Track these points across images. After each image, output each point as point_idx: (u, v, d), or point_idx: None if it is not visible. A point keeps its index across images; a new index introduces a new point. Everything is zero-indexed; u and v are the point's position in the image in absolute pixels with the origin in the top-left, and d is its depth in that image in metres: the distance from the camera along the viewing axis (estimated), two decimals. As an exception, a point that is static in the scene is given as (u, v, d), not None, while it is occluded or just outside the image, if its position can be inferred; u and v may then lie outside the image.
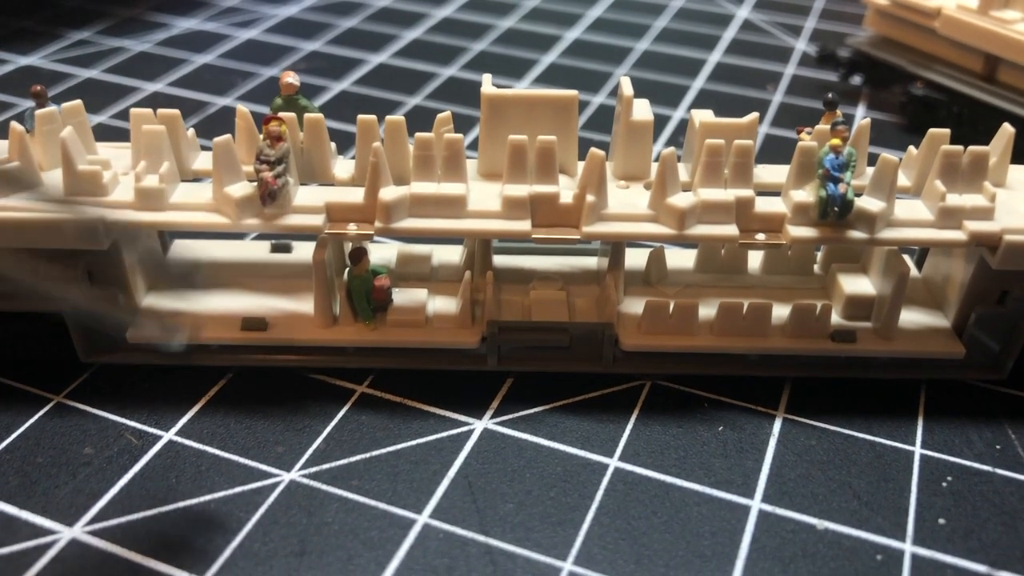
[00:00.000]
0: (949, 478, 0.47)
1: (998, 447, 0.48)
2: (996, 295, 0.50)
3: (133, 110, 0.49)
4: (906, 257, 0.51)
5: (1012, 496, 0.46)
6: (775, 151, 0.75)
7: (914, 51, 0.81)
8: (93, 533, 0.42)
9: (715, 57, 0.94)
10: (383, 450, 0.47)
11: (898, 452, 0.48)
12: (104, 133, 0.52)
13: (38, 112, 0.48)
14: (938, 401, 0.51)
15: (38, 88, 0.49)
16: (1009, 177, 0.51)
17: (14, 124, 0.47)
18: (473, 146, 0.51)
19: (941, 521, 0.44)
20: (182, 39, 0.93)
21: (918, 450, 0.48)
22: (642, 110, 0.50)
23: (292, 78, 0.50)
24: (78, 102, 0.50)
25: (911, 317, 0.52)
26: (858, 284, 0.52)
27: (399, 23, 0.99)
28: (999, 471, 0.47)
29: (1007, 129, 0.50)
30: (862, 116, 0.77)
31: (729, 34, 1.00)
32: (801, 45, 0.98)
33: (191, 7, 1.01)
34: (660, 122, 0.80)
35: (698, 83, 0.88)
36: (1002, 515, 0.45)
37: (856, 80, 0.87)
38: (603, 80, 0.88)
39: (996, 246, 0.47)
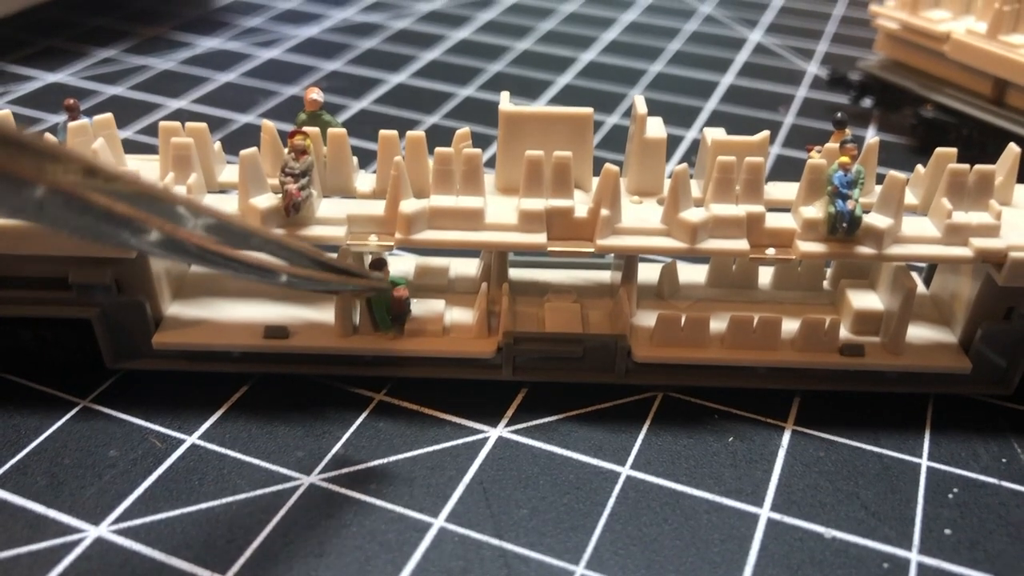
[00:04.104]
0: (955, 490, 0.47)
1: (1004, 460, 0.49)
2: (1002, 311, 0.51)
3: (162, 123, 0.51)
4: (914, 274, 0.52)
5: (1018, 508, 0.46)
6: (787, 172, 0.77)
7: (924, 74, 0.82)
8: (118, 532, 0.44)
9: (728, 79, 0.96)
10: (400, 456, 0.48)
11: (905, 464, 0.49)
12: (129, 148, 0.53)
13: (71, 124, 0.50)
14: (945, 415, 0.52)
15: (71, 102, 0.50)
16: (1015, 196, 0.52)
17: (48, 135, 0.48)
18: (490, 163, 0.52)
19: (947, 531, 0.45)
20: (205, 58, 0.96)
21: (925, 462, 0.49)
22: (656, 128, 0.51)
23: (316, 94, 0.52)
24: (109, 115, 0.51)
25: (919, 333, 0.53)
26: (866, 300, 0.53)
27: (417, 44, 1.01)
28: (1005, 484, 0.48)
29: (1013, 149, 0.52)
30: (872, 138, 0.78)
31: (742, 57, 1.02)
32: (813, 68, 0.99)
33: (214, 27, 1.03)
34: (673, 142, 0.81)
35: (711, 104, 0.90)
36: (1008, 526, 0.45)
37: (867, 103, 0.89)
38: (617, 101, 0.90)
39: (1002, 263, 0.48)
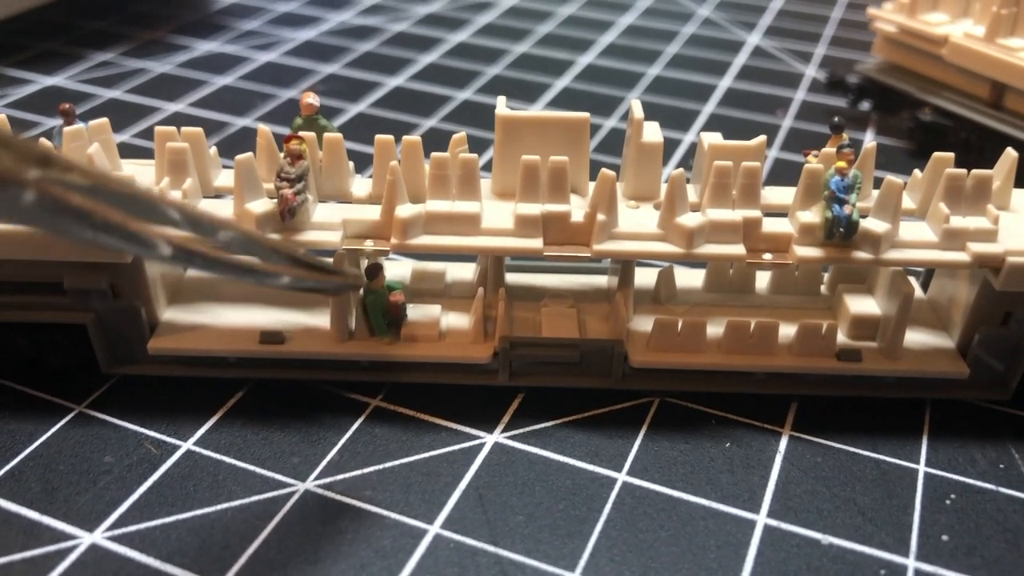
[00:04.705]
0: (953, 496, 0.47)
1: (1002, 466, 0.49)
2: (1000, 316, 0.51)
3: (158, 128, 0.50)
4: (912, 279, 0.51)
5: (1015, 514, 0.46)
6: (785, 175, 0.77)
7: (922, 78, 0.82)
8: (112, 539, 0.44)
9: (726, 82, 0.96)
10: (396, 462, 0.48)
11: (902, 470, 0.49)
12: (126, 152, 0.53)
13: (66, 129, 0.50)
14: (942, 420, 0.52)
15: (66, 106, 0.50)
16: (1013, 200, 0.52)
17: (43, 141, 0.48)
18: (487, 167, 0.52)
19: (944, 538, 0.45)
20: (202, 61, 0.96)
21: (922, 468, 0.49)
22: (652, 132, 0.51)
23: (312, 99, 0.52)
24: (104, 120, 0.51)
25: (916, 338, 0.53)
26: (864, 304, 0.53)
27: (415, 47, 1.01)
28: (1002, 490, 0.48)
29: (1010, 154, 0.51)
30: (870, 141, 0.78)
31: (740, 60, 1.02)
32: (811, 71, 0.99)
33: (211, 30, 1.03)
34: (671, 146, 0.81)
35: (709, 108, 0.90)
36: (1005, 532, 0.45)
37: (865, 106, 0.88)
38: (615, 104, 0.90)
39: (999, 267, 0.48)
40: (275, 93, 0.89)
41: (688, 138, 0.83)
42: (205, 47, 0.99)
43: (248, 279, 0.40)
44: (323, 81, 0.92)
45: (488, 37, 1.05)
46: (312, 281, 0.44)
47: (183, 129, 0.51)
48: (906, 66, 0.84)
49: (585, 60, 1.00)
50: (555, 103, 0.90)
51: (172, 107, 0.85)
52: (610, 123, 0.86)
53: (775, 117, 0.88)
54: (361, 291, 0.51)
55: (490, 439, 0.50)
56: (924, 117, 0.80)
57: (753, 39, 1.08)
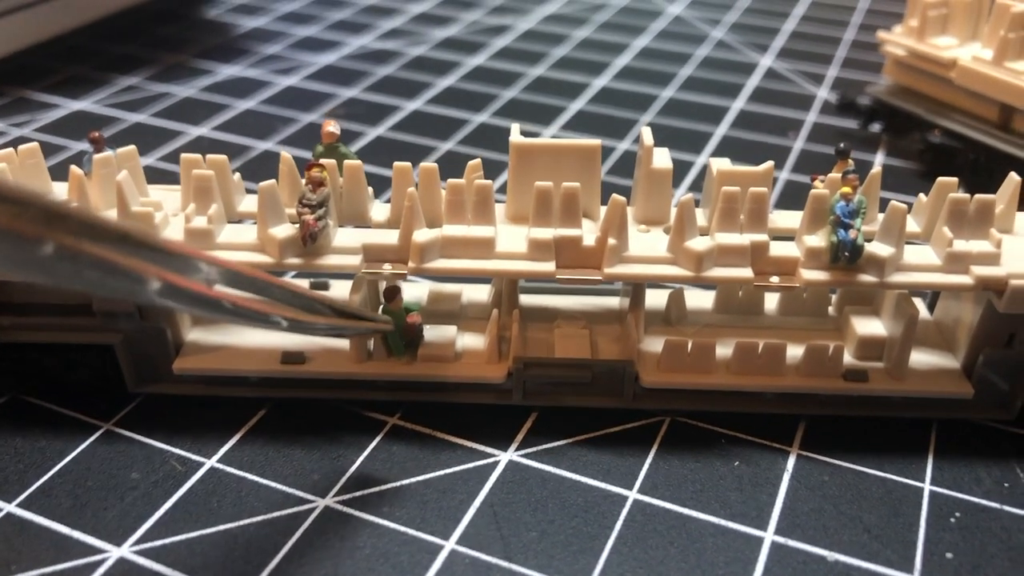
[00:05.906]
0: (957, 514, 0.48)
1: (1006, 485, 0.50)
2: (1004, 337, 0.52)
3: (184, 155, 0.52)
4: (917, 301, 0.53)
5: (1020, 533, 0.47)
6: (796, 196, 0.78)
7: (931, 100, 0.83)
8: (140, 552, 0.45)
9: (738, 104, 0.97)
10: (413, 479, 0.50)
11: (908, 488, 0.50)
12: (152, 175, 0.55)
13: (96, 157, 0.52)
14: (948, 439, 0.53)
15: (96, 135, 0.52)
16: (1016, 224, 0.53)
17: (73, 168, 0.50)
18: (503, 189, 0.54)
19: (949, 555, 0.46)
20: (225, 85, 0.98)
21: (927, 487, 0.50)
22: (662, 158, 0.53)
23: (333, 127, 0.53)
24: (132, 148, 0.53)
25: (922, 358, 0.54)
26: (870, 326, 0.54)
27: (433, 71, 1.03)
28: (1007, 508, 0.49)
29: (1013, 178, 0.52)
30: (881, 163, 0.79)
31: (752, 82, 1.03)
32: (823, 93, 1.00)
33: (234, 55, 1.05)
34: (683, 168, 0.82)
35: (721, 130, 0.91)
36: (1010, 551, 0.46)
37: (875, 127, 0.89)
38: (629, 126, 0.91)
39: (1003, 290, 0.49)
40: (296, 117, 0.91)
41: (701, 160, 0.85)
42: (228, 71, 1.01)
43: (292, 330, 0.43)
44: (343, 105, 0.94)
45: (504, 60, 1.07)
46: (351, 328, 0.47)
47: (208, 157, 0.52)
48: (916, 88, 0.85)
49: (600, 83, 1.02)
50: (569, 126, 0.91)
51: (196, 131, 0.87)
52: (623, 145, 0.87)
53: (787, 139, 0.89)
54: (379, 312, 0.52)
55: (504, 457, 0.51)
56: (934, 139, 0.81)
57: (766, 61, 1.09)
